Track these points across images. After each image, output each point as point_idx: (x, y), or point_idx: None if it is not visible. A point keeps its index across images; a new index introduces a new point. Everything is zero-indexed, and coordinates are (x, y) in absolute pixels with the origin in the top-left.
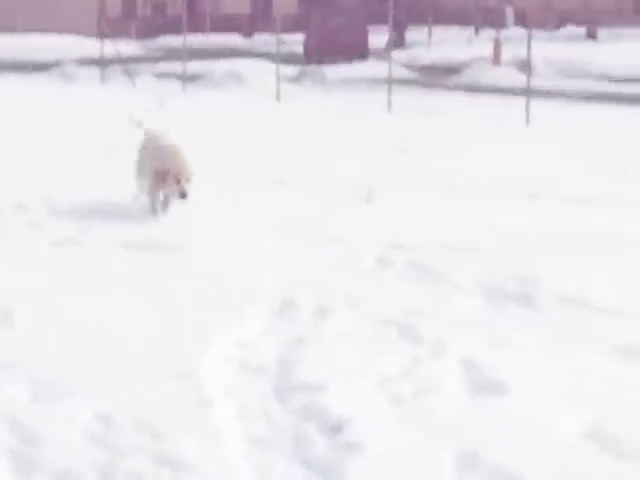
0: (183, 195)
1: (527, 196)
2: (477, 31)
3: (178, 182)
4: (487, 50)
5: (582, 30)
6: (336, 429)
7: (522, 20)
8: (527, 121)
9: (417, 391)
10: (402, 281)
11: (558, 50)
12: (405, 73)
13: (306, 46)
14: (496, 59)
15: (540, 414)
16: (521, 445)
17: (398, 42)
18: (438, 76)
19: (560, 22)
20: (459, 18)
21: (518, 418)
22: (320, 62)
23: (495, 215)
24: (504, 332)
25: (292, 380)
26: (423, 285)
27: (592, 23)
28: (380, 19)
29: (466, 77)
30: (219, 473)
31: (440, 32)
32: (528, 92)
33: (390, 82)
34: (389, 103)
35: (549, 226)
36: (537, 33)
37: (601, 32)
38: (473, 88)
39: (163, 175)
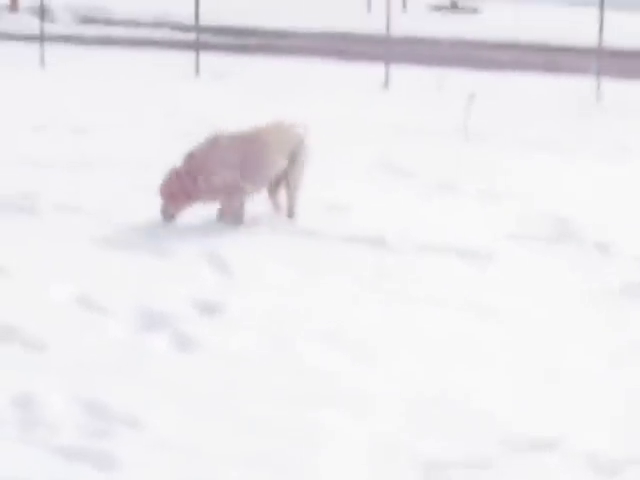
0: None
1: (32, 128)
2: None
3: None
4: None
5: None
6: None
7: None
8: (42, 64)
9: None
10: None
11: None
12: None
13: None
14: (13, 5)
15: (34, 287)
16: (20, 307)
17: None
18: None
19: None
20: None
21: (17, 290)
22: None
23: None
24: (9, 232)
25: None
26: None
27: None
28: None
29: None
30: None
31: None
32: (42, 37)
33: None
34: None
35: (53, 150)
36: None
37: None
38: None
39: None
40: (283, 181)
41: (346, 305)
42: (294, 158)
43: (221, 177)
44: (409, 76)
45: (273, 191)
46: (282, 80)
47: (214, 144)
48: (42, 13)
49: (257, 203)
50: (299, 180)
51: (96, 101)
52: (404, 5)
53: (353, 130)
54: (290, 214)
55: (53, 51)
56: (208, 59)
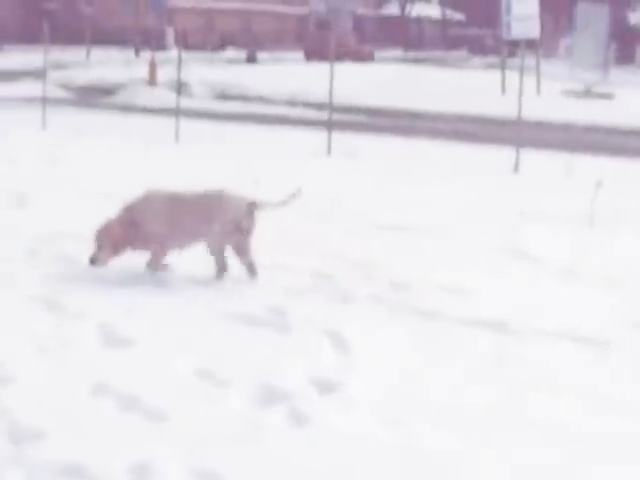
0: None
1: None
2: (137, 52)
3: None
4: (146, 71)
5: (243, 52)
6: None
7: (183, 41)
8: (177, 138)
9: (61, 344)
10: (50, 267)
11: (217, 72)
12: (61, 93)
13: None
14: (152, 80)
15: (158, 358)
16: (144, 377)
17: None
18: (94, 96)
19: (222, 44)
20: (118, 39)
21: (141, 360)
22: None
23: None
24: (137, 304)
25: None
26: (69, 269)
27: (253, 46)
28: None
29: (122, 97)
30: None
31: (100, 53)
32: (177, 112)
33: (45, 101)
34: (44, 121)
35: None
36: (198, 55)
37: (262, 55)
38: (128, 108)
39: None
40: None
41: (462, 388)
42: (210, 222)
43: (151, 229)
44: (539, 161)
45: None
46: (413, 161)
47: (148, 198)
48: (179, 88)
49: (373, 284)
50: (215, 245)
51: (226, 177)
52: (538, 89)
53: (480, 213)
54: (217, 276)
55: (188, 125)
56: (340, 137)
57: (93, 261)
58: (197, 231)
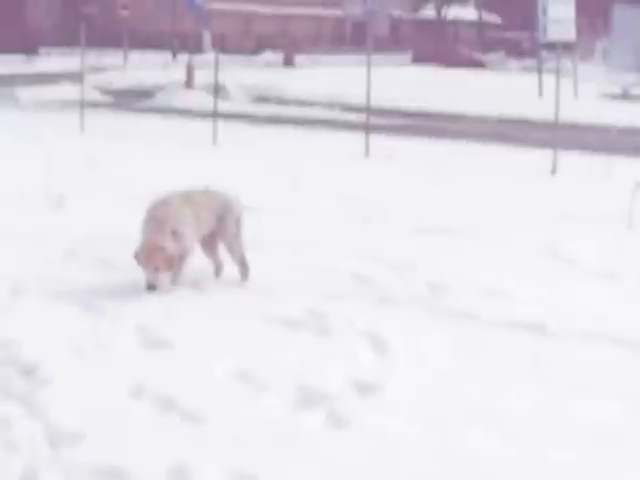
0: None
1: None
2: (174, 55)
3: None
4: (183, 74)
5: (280, 55)
6: (30, 370)
7: (220, 44)
8: (214, 140)
9: (98, 346)
10: (87, 269)
11: (254, 75)
12: (98, 96)
13: None
14: (189, 83)
15: (196, 360)
16: (181, 379)
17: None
18: (132, 99)
19: (259, 47)
20: (155, 42)
21: (179, 362)
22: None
23: None
24: (175, 306)
25: None
26: (106, 272)
27: (290, 49)
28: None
29: (159, 100)
30: None
31: (137, 56)
32: (215, 114)
33: (82, 104)
34: (82, 124)
35: None
36: (235, 58)
37: (299, 58)
38: (166, 111)
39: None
40: (218, 244)
41: (501, 389)
42: (222, 222)
43: (188, 235)
44: (577, 162)
45: (210, 253)
46: (451, 163)
47: (176, 205)
48: (216, 91)
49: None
50: (234, 244)
51: (264, 181)
52: (575, 92)
53: (518, 214)
54: (242, 277)
55: (226, 128)
56: (378, 140)
57: (153, 287)
58: (206, 228)
